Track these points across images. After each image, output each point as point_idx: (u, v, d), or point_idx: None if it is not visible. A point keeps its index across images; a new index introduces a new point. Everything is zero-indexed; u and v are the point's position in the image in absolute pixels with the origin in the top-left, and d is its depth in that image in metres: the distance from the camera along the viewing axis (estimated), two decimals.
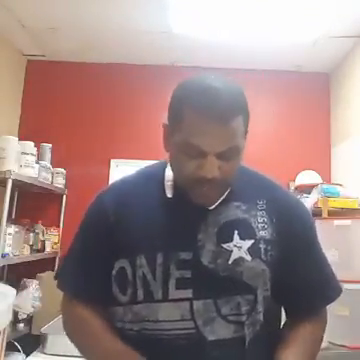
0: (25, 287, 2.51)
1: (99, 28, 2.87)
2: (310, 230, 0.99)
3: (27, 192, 3.04)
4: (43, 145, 2.99)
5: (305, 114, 3.32)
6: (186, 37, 2.86)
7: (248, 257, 0.88)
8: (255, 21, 2.62)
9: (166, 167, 0.98)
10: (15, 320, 2.41)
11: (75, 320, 0.97)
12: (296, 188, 2.93)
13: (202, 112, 0.81)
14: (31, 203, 3.15)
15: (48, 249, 2.98)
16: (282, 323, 1.00)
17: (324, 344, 1.43)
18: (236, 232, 0.89)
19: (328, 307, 1.00)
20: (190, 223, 0.90)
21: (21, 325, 2.46)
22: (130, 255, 0.89)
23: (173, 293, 0.86)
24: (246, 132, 0.89)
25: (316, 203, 2.50)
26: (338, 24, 2.62)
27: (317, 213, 2.37)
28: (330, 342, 1.79)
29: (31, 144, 2.63)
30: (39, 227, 2.97)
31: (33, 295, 2.48)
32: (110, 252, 0.91)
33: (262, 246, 0.90)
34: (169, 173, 0.96)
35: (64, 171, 3.15)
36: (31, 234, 2.82)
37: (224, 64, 3.06)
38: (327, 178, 3.08)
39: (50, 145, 3.03)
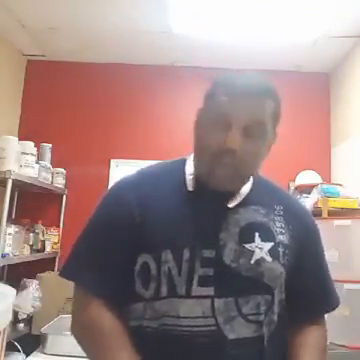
0: (25, 287, 2.51)
1: (99, 28, 2.87)
2: (320, 242, 1.03)
3: (27, 192, 3.04)
4: (43, 145, 2.99)
5: (305, 114, 3.32)
6: (186, 37, 2.86)
7: (269, 258, 0.90)
8: (255, 21, 2.62)
9: (186, 162, 0.99)
10: (15, 320, 2.40)
11: (87, 323, 0.90)
12: (296, 188, 2.92)
13: (235, 86, 0.88)
14: (31, 203, 3.14)
15: (48, 249, 2.97)
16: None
17: None
18: (257, 234, 0.91)
19: None
20: (212, 221, 0.90)
21: (21, 325, 2.46)
22: (154, 250, 0.88)
23: (196, 290, 0.85)
24: (275, 126, 0.92)
25: (316, 203, 2.50)
26: (338, 24, 2.62)
27: (317, 213, 2.37)
28: (330, 342, 1.79)
29: (31, 144, 2.63)
30: (39, 227, 2.97)
31: (33, 295, 2.48)
32: (132, 246, 0.89)
33: (281, 249, 0.92)
34: (190, 167, 0.97)
35: (64, 171, 3.15)
36: (31, 234, 2.82)
37: (224, 64, 3.05)
38: (327, 178, 3.08)
39: (50, 145, 3.03)
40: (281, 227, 0.95)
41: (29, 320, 2.50)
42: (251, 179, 0.98)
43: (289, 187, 3.03)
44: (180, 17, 2.65)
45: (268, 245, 0.91)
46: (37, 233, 2.91)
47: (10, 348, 2.16)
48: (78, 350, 0.92)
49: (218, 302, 0.85)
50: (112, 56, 3.29)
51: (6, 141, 2.43)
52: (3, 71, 3.07)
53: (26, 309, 2.43)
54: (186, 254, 0.87)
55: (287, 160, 3.12)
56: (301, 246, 0.96)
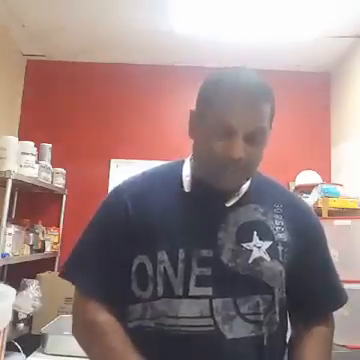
0: (25, 287, 2.51)
1: (100, 28, 2.86)
2: (323, 238, 1.02)
3: (27, 192, 3.04)
4: (43, 145, 2.99)
5: (305, 114, 3.32)
6: (187, 37, 2.86)
7: (267, 257, 0.89)
8: (255, 21, 2.61)
9: (183, 164, 1.00)
10: (15, 320, 2.40)
11: (88, 324, 0.91)
12: (296, 188, 2.92)
13: (236, 91, 0.86)
14: (31, 203, 3.14)
15: (48, 249, 2.97)
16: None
17: None
18: (255, 233, 0.91)
19: None
20: (209, 221, 0.90)
21: (21, 325, 2.45)
22: (150, 250, 0.89)
23: (193, 290, 0.86)
24: (271, 126, 0.93)
25: (316, 203, 2.50)
26: (338, 23, 2.62)
27: (317, 213, 2.35)
28: None
29: (31, 144, 2.63)
30: (39, 227, 2.97)
31: (33, 295, 2.48)
32: (129, 247, 0.90)
33: (280, 248, 0.92)
34: (187, 168, 0.98)
35: (64, 171, 3.15)
36: (31, 234, 2.81)
37: (225, 64, 3.01)
38: (327, 178, 3.08)
39: (50, 145, 3.02)
40: (280, 225, 0.94)
41: (29, 320, 2.50)
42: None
43: (289, 187, 3.03)
44: (181, 17, 2.65)
45: (267, 244, 0.90)
46: (37, 233, 2.91)
47: (10, 348, 2.15)
48: (78, 350, 0.92)
49: (216, 302, 0.85)
50: (113, 56, 3.29)
51: (6, 141, 2.43)
52: (3, 71, 3.06)
53: (26, 309, 2.43)
54: (182, 254, 0.87)
55: (287, 160, 3.12)
56: (303, 244, 0.95)
